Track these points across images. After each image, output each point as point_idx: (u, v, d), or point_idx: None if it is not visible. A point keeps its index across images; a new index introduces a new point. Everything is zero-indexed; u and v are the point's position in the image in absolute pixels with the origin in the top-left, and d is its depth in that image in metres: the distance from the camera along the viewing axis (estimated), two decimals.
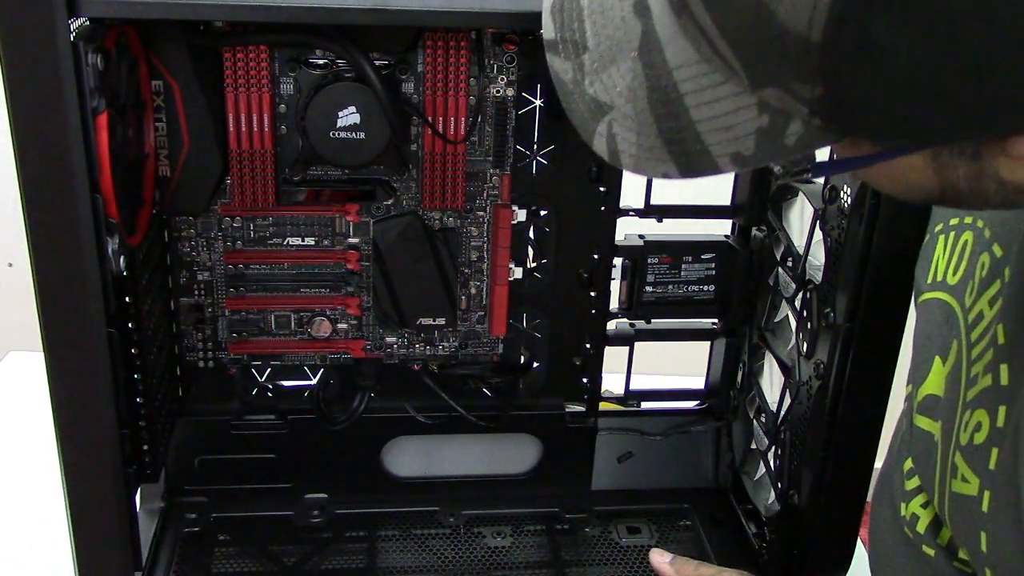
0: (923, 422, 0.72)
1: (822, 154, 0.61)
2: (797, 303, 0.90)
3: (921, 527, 0.73)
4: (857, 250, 0.77)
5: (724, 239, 1.02)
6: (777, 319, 0.99)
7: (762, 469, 1.01)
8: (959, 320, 0.69)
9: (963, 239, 0.70)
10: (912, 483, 0.74)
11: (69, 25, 0.63)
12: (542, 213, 0.97)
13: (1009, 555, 0.61)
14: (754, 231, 1.00)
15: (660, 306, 1.02)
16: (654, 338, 1.04)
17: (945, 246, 0.72)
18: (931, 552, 0.72)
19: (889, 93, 0.44)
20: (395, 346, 0.99)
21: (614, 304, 1.02)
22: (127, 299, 0.76)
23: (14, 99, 0.64)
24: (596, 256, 0.99)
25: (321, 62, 0.85)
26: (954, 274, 0.71)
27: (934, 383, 0.71)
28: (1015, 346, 0.62)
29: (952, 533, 0.68)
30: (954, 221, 0.72)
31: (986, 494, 0.62)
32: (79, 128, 0.65)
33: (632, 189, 0.98)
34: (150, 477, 0.86)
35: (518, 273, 0.97)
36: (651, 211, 0.99)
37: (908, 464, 0.75)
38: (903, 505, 0.75)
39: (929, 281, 0.73)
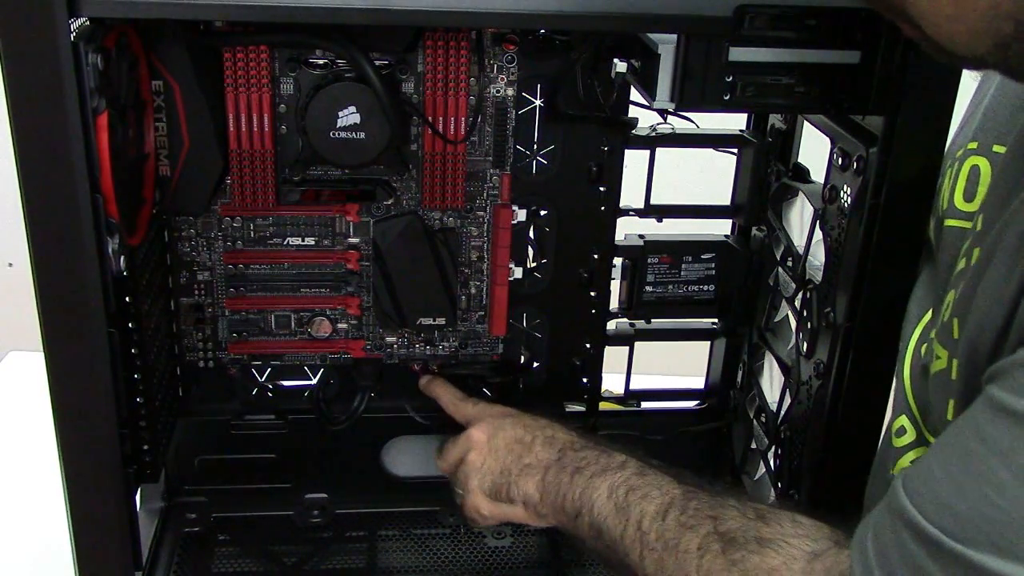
0: (934, 333, 0.73)
1: None
2: (797, 303, 0.90)
3: None
4: (857, 250, 0.77)
5: (724, 239, 1.02)
6: (777, 319, 0.99)
7: (762, 469, 1.01)
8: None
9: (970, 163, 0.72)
10: (902, 440, 0.76)
11: (69, 25, 0.63)
12: (542, 213, 0.97)
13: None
14: (754, 231, 1.00)
15: (660, 306, 1.02)
16: (654, 338, 1.04)
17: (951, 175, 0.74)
18: None
19: None
20: (395, 346, 0.99)
21: (614, 304, 1.02)
22: (127, 299, 0.76)
23: (14, 99, 0.64)
24: (596, 256, 0.99)
25: (321, 62, 0.85)
26: (967, 201, 0.73)
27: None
28: (986, 230, 0.65)
29: (937, 420, 0.70)
30: (960, 153, 0.74)
31: (954, 363, 0.66)
32: (79, 128, 0.65)
33: (632, 189, 0.98)
34: (150, 477, 0.86)
35: (518, 273, 0.97)
36: (651, 211, 0.99)
37: (898, 423, 0.76)
38: (893, 465, 0.77)
39: (945, 208, 0.75)
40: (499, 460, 0.86)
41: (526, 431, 0.87)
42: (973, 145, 0.73)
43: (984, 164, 0.71)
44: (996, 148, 0.71)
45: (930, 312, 0.75)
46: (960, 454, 0.56)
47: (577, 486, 0.79)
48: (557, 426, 0.87)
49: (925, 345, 0.74)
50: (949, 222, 0.74)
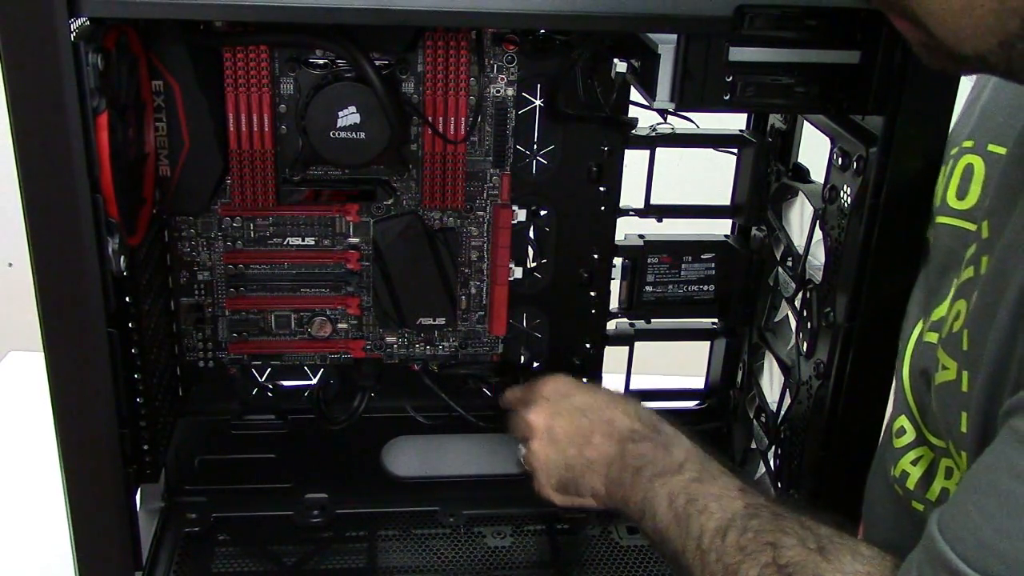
0: (931, 336, 0.73)
1: None
2: (797, 303, 0.90)
3: (911, 483, 0.74)
4: (857, 250, 0.77)
5: (724, 239, 1.02)
6: (777, 319, 0.99)
7: (762, 469, 1.01)
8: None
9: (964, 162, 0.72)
10: (902, 440, 0.75)
11: (69, 25, 0.63)
12: (542, 213, 0.97)
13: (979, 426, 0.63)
14: (754, 231, 1.00)
15: (660, 306, 1.02)
16: (654, 338, 1.04)
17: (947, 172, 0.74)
18: (920, 507, 0.74)
19: None
20: (395, 346, 0.99)
21: (614, 304, 1.02)
22: (127, 299, 0.76)
23: (14, 99, 0.64)
24: (596, 256, 0.99)
25: (321, 62, 0.85)
26: (960, 199, 0.72)
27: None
28: (994, 238, 0.64)
29: (942, 427, 0.70)
30: (954, 151, 0.74)
31: (964, 375, 0.65)
32: (79, 128, 0.65)
33: (632, 189, 0.98)
34: (150, 477, 0.86)
35: (518, 273, 0.97)
36: (651, 211, 0.99)
37: (898, 423, 0.76)
38: (893, 465, 0.76)
39: (937, 205, 0.75)
40: (561, 453, 0.84)
41: (584, 417, 0.84)
42: (969, 144, 0.72)
43: (979, 163, 0.71)
44: (992, 148, 0.71)
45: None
46: (995, 494, 0.55)
47: (638, 489, 0.77)
48: (616, 404, 0.83)
49: (924, 348, 0.74)
50: (941, 219, 0.74)
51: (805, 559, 0.64)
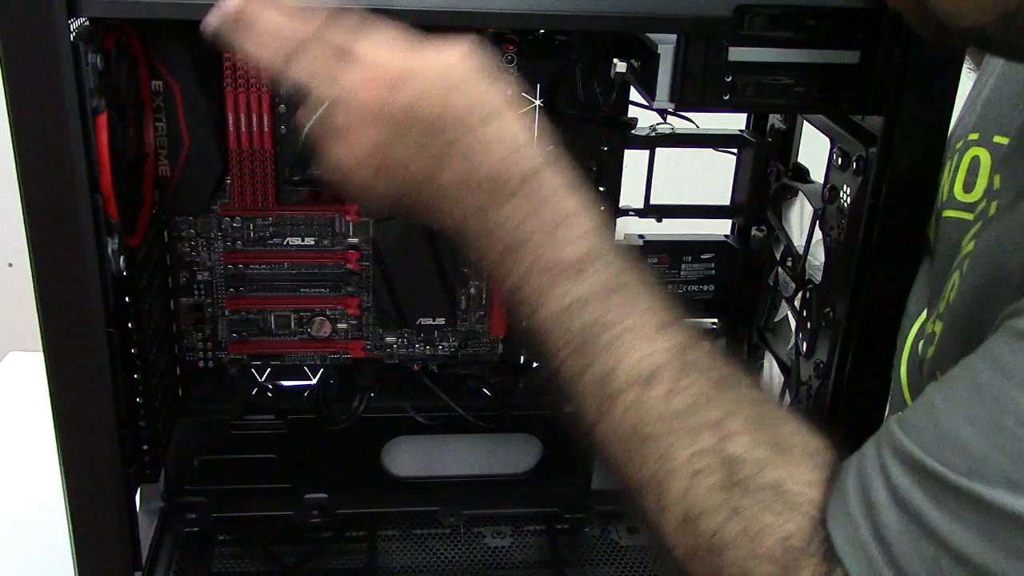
0: (930, 326, 0.73)
1: None
2: (797, 303, 0.90)
3: None
4: (857, 250, 0.77)
5: (724, 239, 1.02)
6: (777, 319, 0.99)
7: None
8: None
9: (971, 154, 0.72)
10: None
11: (69, 25, 0.63)
12: None
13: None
14: (754, 231, 1.00)
15: None
16: None
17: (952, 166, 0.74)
18: None
19: None
20: (395, 346, 0.99)
21: None
22: (127, 299, 0.76)
23: (14, 99, 0.64)
24: None
25: None
26: (967, 192, 0.72)
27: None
28: (998, 214, 0.64)
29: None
30: (959, 145, 0.73)
31: (946, 337, 0.64)
32: (79, 128, 0.65)
33: (632, 189, 0.98)
34: (150, 477, 0.86)
35: None
36: (650, 211, 0.99)
37: None
38: None
39: (945, 199, 0.74)
40: (389, 177, 0.60)
41: (429, 134, 0.59)
42: (974, 136, 0.72)
43: (984, 155, 0.71)
44: (997, 139, 0.71)
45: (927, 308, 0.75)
46: (970, 385, 0.50)
47: (513, 274, 0.58)
48: (472, 115, 0.61)
49: (922, 341, 0.74)
50: (948, 213, 0.74)
51: (759, 457, 0.55)
